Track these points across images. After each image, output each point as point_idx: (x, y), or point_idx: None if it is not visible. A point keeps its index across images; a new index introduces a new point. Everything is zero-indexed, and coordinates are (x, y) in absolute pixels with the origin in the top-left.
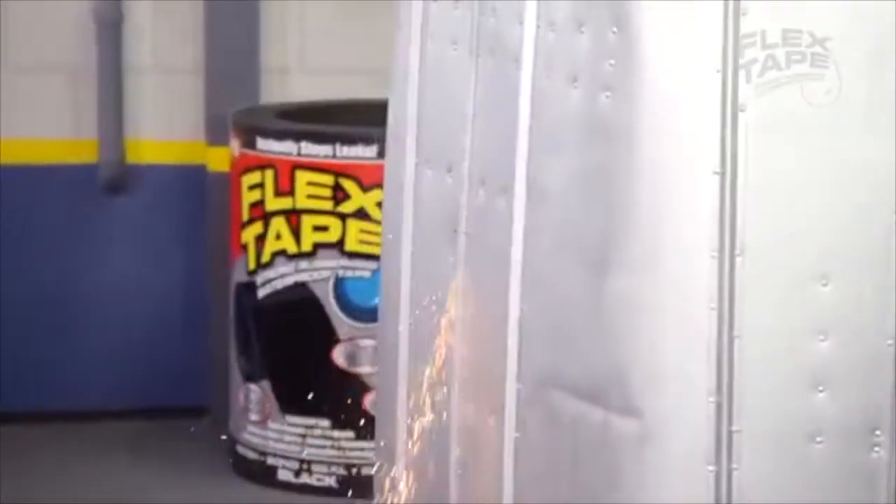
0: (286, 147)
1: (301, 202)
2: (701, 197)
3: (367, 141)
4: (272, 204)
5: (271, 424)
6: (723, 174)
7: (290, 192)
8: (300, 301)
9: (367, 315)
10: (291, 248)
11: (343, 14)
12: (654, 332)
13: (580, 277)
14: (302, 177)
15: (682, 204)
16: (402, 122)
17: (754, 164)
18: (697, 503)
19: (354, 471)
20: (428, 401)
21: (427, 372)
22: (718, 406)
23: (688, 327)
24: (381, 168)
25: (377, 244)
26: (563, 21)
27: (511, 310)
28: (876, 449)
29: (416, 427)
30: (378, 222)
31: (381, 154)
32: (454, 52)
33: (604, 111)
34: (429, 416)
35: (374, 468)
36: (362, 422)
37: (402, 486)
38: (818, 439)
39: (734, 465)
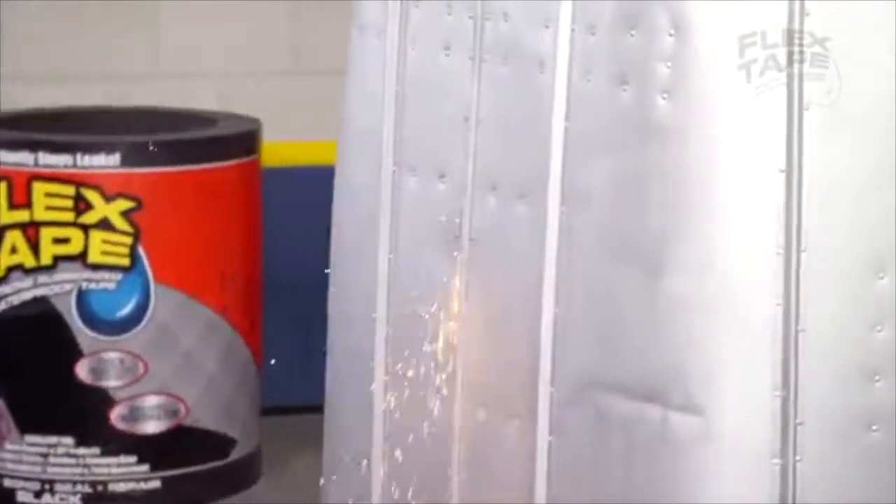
0: (21, 158)
1: (39, 214)
2: (766, 195)
3: (109, 149)
4: (6, 217)
5: (8, 445)
6: (788, 172)
7: (27, 205)
8: (39, 316)
9: (113, 327)
10: (29, 261)
11: (77, 20)
12: (716, 330)
13: (630, 278)
14: (39, 188)
15: (747, 203)
16: (371, 130)
17: (818, 162)
18: (762, 498)
19: (101, 487)
20: (417, 410)
21: (416, 379)
22: (784, 400)
23: (752, 323)
24: (125, 176)
25: (122, 255)
26: (606, 24)
27: (545, 313)
28: None
29: (402, 436)
30: (124, 233)
31: (125, 162)
32: (447, 57)
33: (660, 113)
34: (419, 426)
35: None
36: (108, 437)
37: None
38: (874, 427)
39: (798, 458)
